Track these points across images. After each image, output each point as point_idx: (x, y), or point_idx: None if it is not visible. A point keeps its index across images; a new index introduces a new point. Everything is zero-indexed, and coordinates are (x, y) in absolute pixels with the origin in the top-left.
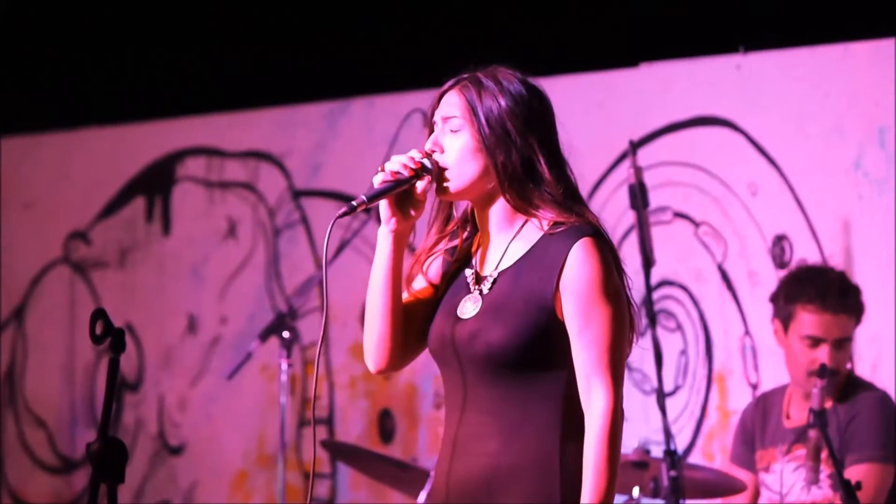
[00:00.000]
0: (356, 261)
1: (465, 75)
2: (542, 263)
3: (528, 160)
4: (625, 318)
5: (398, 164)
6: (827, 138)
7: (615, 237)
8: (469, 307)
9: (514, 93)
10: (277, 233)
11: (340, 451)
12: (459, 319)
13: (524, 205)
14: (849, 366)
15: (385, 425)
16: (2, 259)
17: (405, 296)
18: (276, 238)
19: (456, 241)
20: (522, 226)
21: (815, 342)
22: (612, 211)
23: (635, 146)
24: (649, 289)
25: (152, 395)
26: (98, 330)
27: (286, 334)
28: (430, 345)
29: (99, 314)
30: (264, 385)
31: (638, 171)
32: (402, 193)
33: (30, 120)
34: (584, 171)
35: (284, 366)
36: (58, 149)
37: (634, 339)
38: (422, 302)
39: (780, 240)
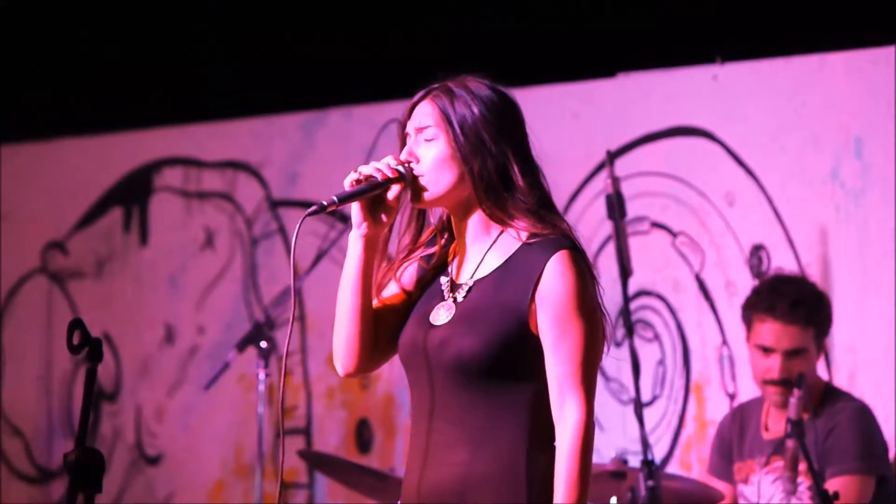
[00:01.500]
0: (333, 271)
1: (436, 85)
2: (518, 274)
3: (502, 168)
4: (599, 332)
5: (372, 167)
6: (804, 148)
7: (593, 247)
8: (442, 314)
9: (485, 100)
10: (255, 243)
11: (318, 461)
12: (432, 326)
13: (500, 213)
14: (826, 376)
15: (363, 435)
16: None
17: (377, 301)
18: (253, 248)
19: (433, 249)
20: (499, 235)
21: (767, 351)
22: (590, 221)
23: (613, 156)
24: (626, 299)
25: (130, 404)
26: (75, 340)
27: (263, 344)
28: (400, 350)
29: (76, 324)
30: (242, 395)
31: (615, 181)
32: (374, 198)
33: (6, 130)
34: (561, 182)
35: (262, 375)
36: (35, 158)
37: (607, 349)
38: (394, 307)
39: (757, 250)
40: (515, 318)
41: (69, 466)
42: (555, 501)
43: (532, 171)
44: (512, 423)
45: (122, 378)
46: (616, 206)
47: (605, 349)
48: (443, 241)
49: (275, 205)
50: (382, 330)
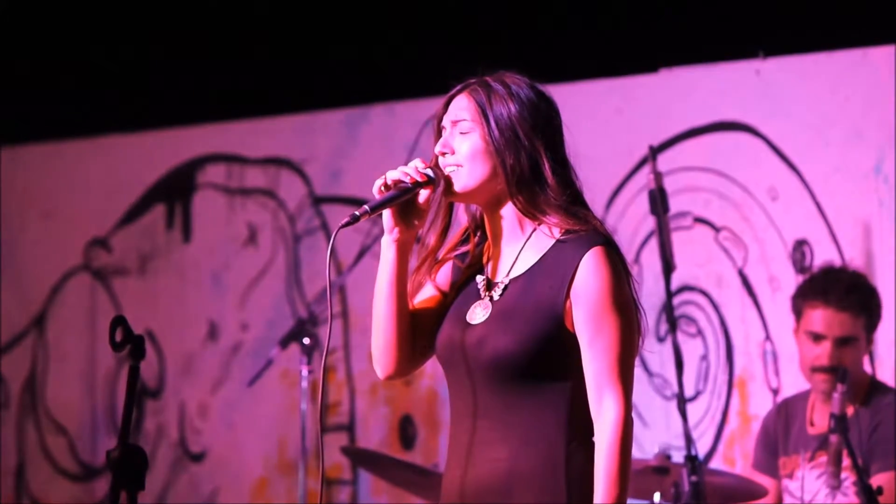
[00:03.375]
0: (375, 267)
1: (474, 80)
2: (553, 272)
3: (534, 163)
4: (635, 327)
5: (400, 172)
6: (847, 143)
7: (635, 243)
8: (479, 313)
9: (523, 97)
10: (297, 239)
11: (361, 458)
12: (468, 325)
13: (531, 209)
14: (870, 370)
15: (406, 431)
16: (22, 267)
17: (412, 303)
18: (296, 245)
19: (467, 247)
20: (532, 232)
21: (817, 338)
22: (633, 216)
23: (655, 151)
24: (669, 294)
25: (173, 402)
26: (118, 337)
27: (306, 341)
28: (438, 349)
29: (119, 321)
30: (285, 391)
31: (658, 176)
32: (405, 203)
33: (50, 128)
34: (604, 177)
35: (305, 372)
36: (78, 156)
37: (642, 343)
38: (430, 309)
39: (800, 245)
40: (551, 316)
41: (112, 464)
42: (595, 499)
43: (565, 168)
44: (551, 420)
45: (165, 375)
46: (659, 201)
47: (641, 344)
48: (476, 240)
49: (317, 201)
50: (420, 332)
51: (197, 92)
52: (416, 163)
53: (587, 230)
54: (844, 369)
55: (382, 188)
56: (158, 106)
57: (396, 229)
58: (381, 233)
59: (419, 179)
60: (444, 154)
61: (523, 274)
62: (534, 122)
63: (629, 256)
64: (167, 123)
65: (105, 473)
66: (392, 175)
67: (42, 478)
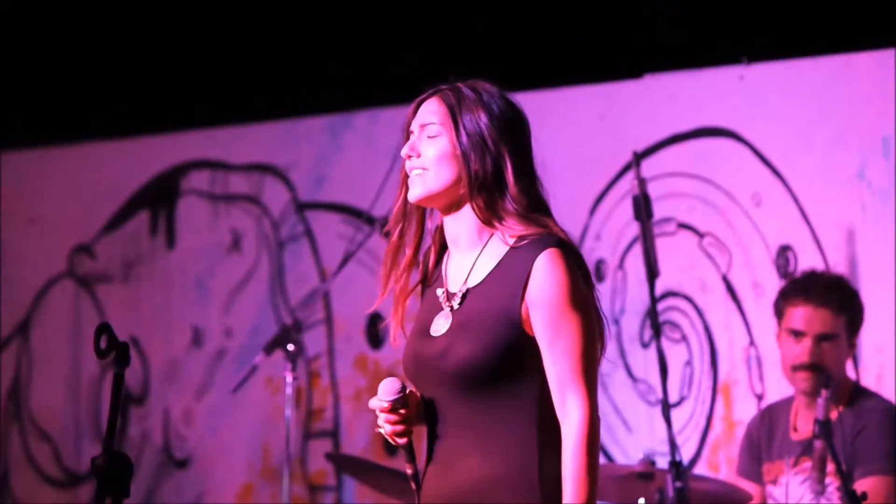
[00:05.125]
0: (360, 273)
1: (445, 85)
2: (508, 278)
3: (498, 169)
4: (594, 327)
5: (389, 431)
6: (830, 148)
7: (619, 248)
8: (441, 324)
9: (492, 104)
10: (282, 245)
11: (346, 464)
12: (431, 337)
13: (489, 214)
14: (854, 376)
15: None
16: (6, 273)
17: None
18: (280, 251)
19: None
20: (489, 239)
21: (798, 335)
22: (616, 222)
23: (639, 157)
24: (654, 300)
25: (157, 408)
26: (103, 344)
27: (291, 347)
28: (404, 364)
29: (104, 328)
30: (269, 398)
31: (642, 182)
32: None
33: (33, 134)
34: (587, 183)
35: (289, 378)
36: (62, 163)
37: (603, 349)
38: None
39: (784, 250)
40: (509, 322)
41: (97, 470)
42: (563, 498)
43: (528, 176)
44: (520, 426)
45: (149, 381)
46: (643, 207)
47: (602, 348)
48: (434, 256)
49: (301, 207)
50: None
51: (181, 98)
52: (379, 411)
53: (541, 234)
54: (828, 375)
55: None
56: (142, 113)
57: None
58: (365, 239)
59: (398, 408)
60: (409, 157)
61: (481, 282)
62: (501, 129)
63: (613, 262)
64: (151, 130)
65: (89, 480)
66: (385, 433)
67: (26, 484)
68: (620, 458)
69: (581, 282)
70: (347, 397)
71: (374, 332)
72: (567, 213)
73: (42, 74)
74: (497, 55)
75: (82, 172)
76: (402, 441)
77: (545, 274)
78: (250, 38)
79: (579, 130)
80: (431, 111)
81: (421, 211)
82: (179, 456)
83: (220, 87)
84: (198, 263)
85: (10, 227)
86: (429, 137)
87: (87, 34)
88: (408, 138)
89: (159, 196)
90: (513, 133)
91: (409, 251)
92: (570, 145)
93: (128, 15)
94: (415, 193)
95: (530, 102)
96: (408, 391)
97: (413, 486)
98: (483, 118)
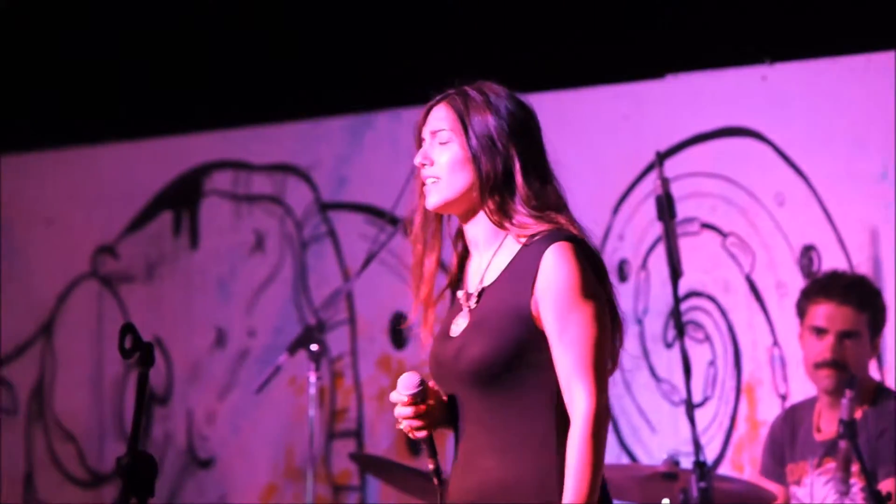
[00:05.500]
0: (383, 273)
1: (452, 90)
2: (518, 274)
3: (508, 170)
4: (604, 319)
5: (407, 427)
6: (854, 148)
7: (642, 248)
8: (460, 324)
9: (501, 105)
10: (304, 246)
11: (369, 464)
12: (450, 338)
13: (500, 215)
14: (878, 377)
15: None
16: (30, 274)
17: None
18: (303, 251)
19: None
20: (504, 240)
21: (820, 332)
22: (640, 222)
23: (662, 157)
24: (677, 300)
25: (181, 408)
26: (127, 344)
27: (314, 347)
28: (430, 366)
29: (128, 328)
30: (293, 398)
31: (665, 182)
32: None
33: (56, 135)
34: (610, 183)
35: (313, 378)
36: (85, 164)
37: (621, 343)
38: None
39: (807, 250)
40: (520, 318)
41: (122, 470)
42: (564, 491)
43: (542, 176)
44: (538, 425)
45: (173, 382)
46: (666, 207)
47: (620, 342)
48: (456, 260)
49: (324, 207)
50: None
51: (203, 99)
52: (400, 405)
53: (551, 230)
54: (853, 375)
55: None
56: (165, 113)
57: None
58: (388, 239)
59: (417, 402)
60: (423, 165)
61: (494, 281)
62: (511, 130)
63: (636, 262)
64: (174, 130)
65: (113, 480)
66: (403, 427)
67: (50, 485)
68: (644, 459)
69: (590, 274)
70: (371, 397)
71: (398, 331)
72: (590, 213)
73: (65, 75)
74: (519, 55)
75: (105, 173)
76: (420, 435)
77: (552, 267)
78: (273, 39)
79: (602, 130)
80: (440, 117)
81: (438, 217)
82: (203, 456)
83: (242, 87)
84: (221, 264)
85: (33, 228)
86: (440, 144)
87: (112, 34)
88: (420, 146)
89: (182, 196)
90: (522, 133)
91: (431, 259)
92: (593, 145)
93: (153, 14)
94: (431, 202)
95: (553, 103)
96: (427, 385)
97: (435, 481)
98: (491, 120)
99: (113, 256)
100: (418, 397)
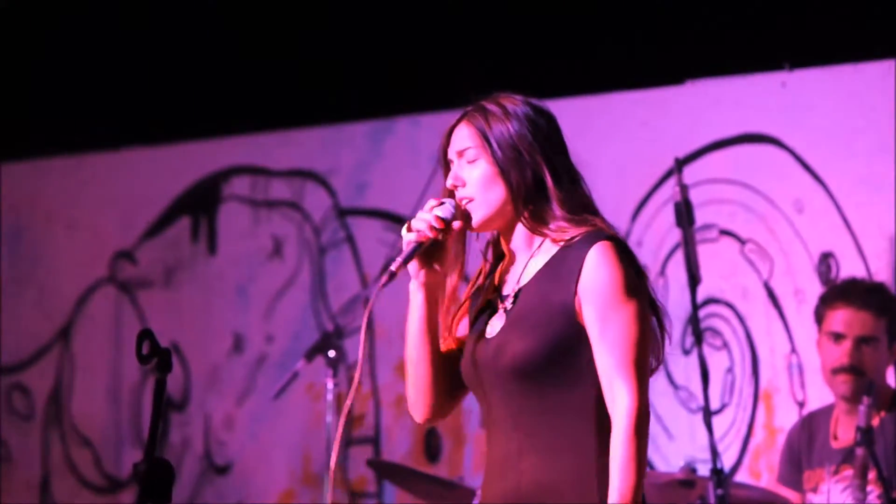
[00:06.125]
0: (401, 278)
1: (470, 107)
2: (560, 272)
3: (538, 178)
4: (646, 318)
5: (424, 223)
6: (873, 155)
7: (661, 255)
8: (496, 325)
9: (520, 114)
10: (323, 251)
11: (386, 470)
12: (486, 339)
13: (537, 224)
14: (894, 384)
15: (431, 444)
16: (48, 279)
17: (445, 344)
18: (321, 257)
19: (481, 279)
20: (542, 244)
21: (838, 338)
22: (658, 229)
23: (681, 164)
24: (695, 306)
25: (198, 414)
26: (145, 350)
27: (332, 353)
28: (462, 371)
29: (145, 334)
30: (310, 404)
31: (683, 188)
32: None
33: (75, 140)
34: (629, 189)
35: (330, 385)
36: (103, 169)
37: (664, 345)
38: (459, 348)
39: (826, 257)
40: (564, 315)
41: (139, 476)
42: (609, 491)
43: (571, 179)
44: (579, 428)
45: (190, 387)
46: (684, 213)
47: (663, 345)
48: (487, 268)
49: (343, 213)
50: (452, 372)
51: (222, 104)
52: (431, 203)
53: (591, 231)
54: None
55: (413, 242)
56: (183, 118)
57: (422, 273)
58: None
59: (439, 227)
60: (455, 188)
61: (531, 280)
62: (533, 137)
63: (654, 269)
64: (192, 136)
65: (130, 486)
66: (417, 225)
67: (67, 490)
68: (661, 466)
69: (633, 273)
70: (389, 403)
71: None
72: (609, 218)
73: (84, 80)
74: (539, 61)
75: (123, 179)
76: (414, 237)
77: (597, 265)
78: (292, 44)
79: (621, 136)
80: (464, 136)
81: (464, 237)
82: (220, 462)
83: (261, 92)
84: (239, 269)
85: (52, 234)
86: (468, 163)
87: (131, 38)
88: (447, 169)
89: (200, 202)
90: (545, 137)
91: (454, 276)
92: (611, 151)
93: (170, 19)
94: (474, 223)
95: (572, 108)
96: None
97: (387, 276)
98: (513, 130)
99: (131, 262)
100: (447, 224)
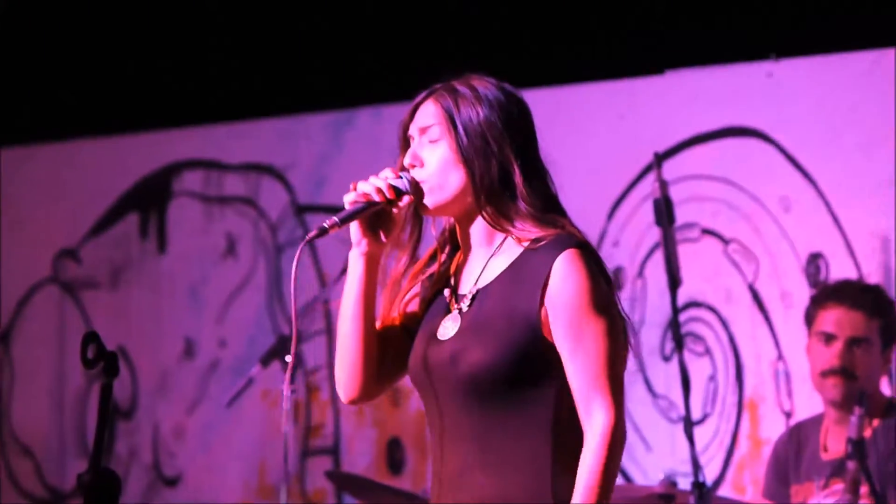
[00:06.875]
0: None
1: (439, 85)
2: (524, 278)
3: (504, 172)
4: (618, 331)
5: (371, 186)
6: (864, 149)
7: (639, 255)
8: (449, 327)
9: (491, 99)
10: (280, 250)
11: (347, 483)
12: (439, 341)
13: (500, 220)
14: (889, 393)
15: (394, 455)
16: None
17: (379, 323)
18: (278, 256)
19: (434, 266)
20: (503, 242)
21: (828, 339)
22: (636, 227)
23: (660, 158)
24: (675, 310)
25: (146, 422)
26: (90, 354)
27: (289, 358)
28: (410, 371)
29: (91, 337)
30: (266, 412)
31: (663, 184)
32: (374, 214)
33: (17, 132)
34: (606, 185)
35: (287, 392)
36: (47, 162)
37: (629, 355)
38: (397, 329)
39: (814, 258)
40: (526, 326)
41: (83, 488)
42: (574, 491)
43: (538, 174)
44: (533, 442)
45: (138, 394)
46: (664, 211)
47: (628, 356)
48: (443, 258)
49: (300, 210)
50: (386, 353)
51: (173, 94)
52: (388, 173)
53: (559, 234)
54: (863, 391)
55: (354, 203)
56: (133, 109)
57: (364, 241)
58: None
59: (389, 197)
60: (413, 167)
61: (492, 283)
62: (504, 125)
63: (632, 270)
64: (141, 127)
65: (74, 498)
66: (363, 187)
67: (7, 502)
68: (640, 479)
69: (603, 283)
70: (349, 412)
71: None
72: (583, 217)
73: (24, 69)
74: (511, 49)
75: (68, 172)
76: (362, 198)
77: (565, 275)
78: (246, 31)
79: (597, 129)
80: (429, 113)
81: (419, 220)
82: (170, 474)
83: (214, 82)
84: (190, 269)
85: None
86: (430, 142)
87: (74, 26)
88: (406, 146)
89: (149, 197)
90: (516, 128)
91: (403, 261)
92: (587, 145)
93: (118, 6)
94: (423, 207)
95: (545, 99)
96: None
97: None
98: (482, 116)
99: (75, 261)
100: (397, 195)
